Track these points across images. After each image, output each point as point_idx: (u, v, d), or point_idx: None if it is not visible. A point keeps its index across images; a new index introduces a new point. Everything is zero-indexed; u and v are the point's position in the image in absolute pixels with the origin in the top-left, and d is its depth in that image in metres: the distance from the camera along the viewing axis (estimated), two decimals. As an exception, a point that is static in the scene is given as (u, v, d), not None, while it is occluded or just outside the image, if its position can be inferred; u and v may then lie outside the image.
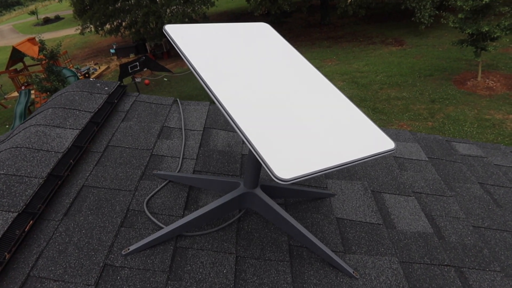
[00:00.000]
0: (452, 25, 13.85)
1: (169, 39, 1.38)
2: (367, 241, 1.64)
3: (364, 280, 1.46)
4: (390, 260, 1.56)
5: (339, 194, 1.88)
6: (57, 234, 1.44)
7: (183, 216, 1.60)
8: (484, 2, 12.62)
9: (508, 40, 13.49)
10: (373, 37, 20.93)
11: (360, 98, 13.47)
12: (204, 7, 23.87)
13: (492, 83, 14.31)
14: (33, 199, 1.51)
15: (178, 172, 1.84)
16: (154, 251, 1.44)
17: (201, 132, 2.16)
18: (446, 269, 1.57)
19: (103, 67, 22.34)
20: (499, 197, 2.07)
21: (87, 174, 1.74)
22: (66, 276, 1.30)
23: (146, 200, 1.64)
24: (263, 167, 1.76)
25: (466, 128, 11.63)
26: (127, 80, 16.45)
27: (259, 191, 1.54)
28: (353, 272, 1.47)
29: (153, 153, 1.94)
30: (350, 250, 1.58)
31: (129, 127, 2.10)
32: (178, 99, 2.40)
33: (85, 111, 2.08)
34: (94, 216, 1.53)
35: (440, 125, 11.78)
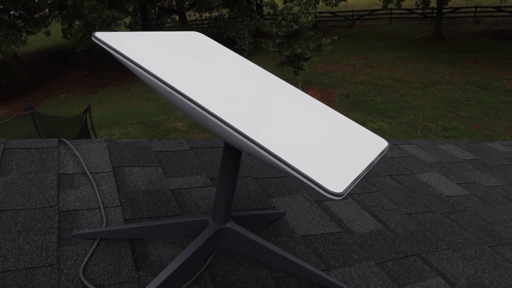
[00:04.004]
0: (272, 49, 15.49)
1: (109, 49, 1.05)
2: (339, 252, 1.56)
3: (360, 292, 1.37)
4: (368, 265, 1.51)
5: (288, 211, 1.77)
6: None
7: (138, 279, 1.23)
8: (294, 28, 14.50)
9: (317, 59, 15.80)
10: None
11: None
12: (13, 46, 21.07)
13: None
14: None
15: (105, 225, 1.43)
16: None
17: (111, 173, 1.76)
18: (412, 259, 1.61)
19: None
20: (408, 184, 2.28)
21: (-23, 258, 1.18)
22: None
23: (80, 270, 1.21)
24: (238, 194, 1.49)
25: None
26: None
27: (233, 224, 1.31)
28: (348, 288, 1.36)
29: (60, 209, 1.47)
30: (331, 266, 1.48)
31: (12, 183, 1.55)
32: (64, 139, 1.92)
33: None
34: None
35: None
